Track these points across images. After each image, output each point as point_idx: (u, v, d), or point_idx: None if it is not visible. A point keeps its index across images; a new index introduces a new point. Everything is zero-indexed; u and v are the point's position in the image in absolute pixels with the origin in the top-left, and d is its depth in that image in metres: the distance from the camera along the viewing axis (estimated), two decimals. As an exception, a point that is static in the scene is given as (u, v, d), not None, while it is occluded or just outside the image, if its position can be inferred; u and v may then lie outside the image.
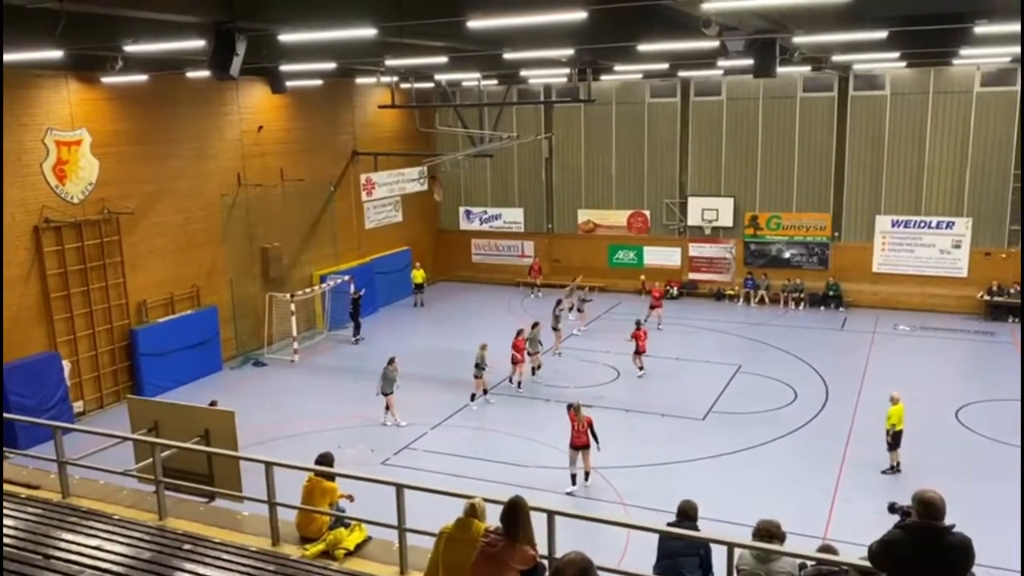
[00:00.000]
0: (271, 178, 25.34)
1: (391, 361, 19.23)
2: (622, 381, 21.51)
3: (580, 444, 15.15)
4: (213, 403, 15.46)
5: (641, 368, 21.93)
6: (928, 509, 5.45)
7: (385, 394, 18.95)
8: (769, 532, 7.19)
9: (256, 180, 24.73)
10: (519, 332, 21.42)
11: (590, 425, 15.17)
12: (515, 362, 21.08)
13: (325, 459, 9.47)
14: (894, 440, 15.84)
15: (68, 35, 11.66)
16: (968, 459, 16.56)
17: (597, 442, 15.15)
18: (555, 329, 24.07)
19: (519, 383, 21.14)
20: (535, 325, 22.38)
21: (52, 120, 19.27)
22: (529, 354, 21.56)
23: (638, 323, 22.61)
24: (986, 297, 26.91)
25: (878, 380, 20.66)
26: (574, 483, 15.32)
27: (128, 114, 21.09)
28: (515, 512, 6.45)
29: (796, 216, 29.30)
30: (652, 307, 26.74)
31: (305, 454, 10.73)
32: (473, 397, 20.16)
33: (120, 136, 20.90)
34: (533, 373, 21.87)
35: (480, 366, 20.21)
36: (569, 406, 15.63)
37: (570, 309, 26.67)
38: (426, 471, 15.89)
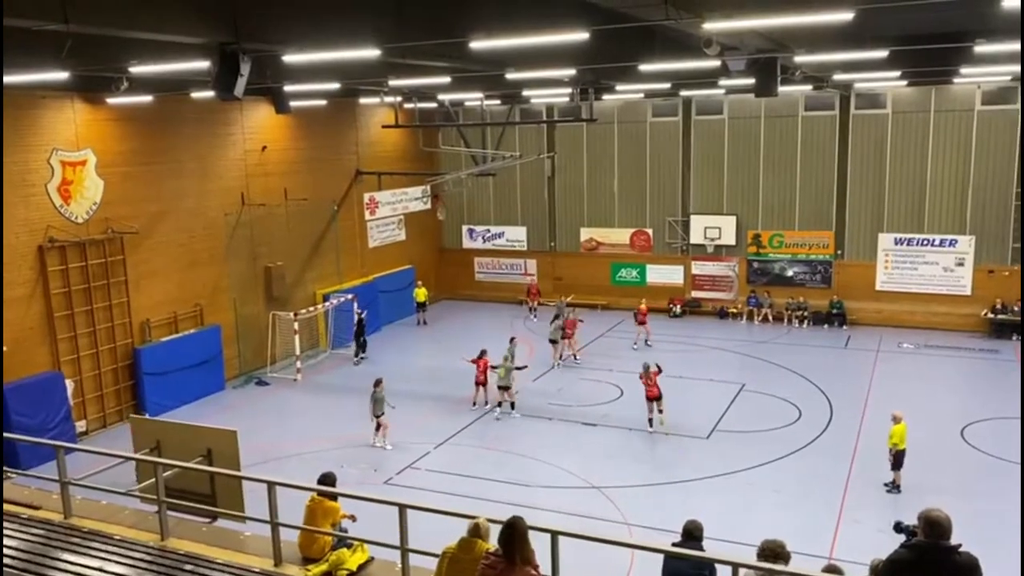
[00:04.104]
0: (275, 197, 25.44)
1: (378, 383, 18.87)
2: (626, 400, 21.43)
3: (652, 396, 19.06)
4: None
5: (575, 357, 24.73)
6: (934, 528, 5.41)
7: (376, 416, 18.71)
8: (774, 552, 7.14)
9: (260, 199, 24.83)
10: (483, 352, 21.11)
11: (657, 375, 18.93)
12: (478, 383, 20.96)
13: (327, 479, 9.44)
14: (896, 460, 15.76)
15: (74, 56, 11.78)
16: (974, 478, 16.45)
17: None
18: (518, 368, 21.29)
19: (486, 401, 20.98)
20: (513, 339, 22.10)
21: (57, 141, 19.39)
22: (501, 388, 20.65)
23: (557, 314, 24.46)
24: (990, 315, 26.85)
25: (882, 398, 20.58)
26: (651, 425, 19.14)
27: (133, 134, 21.22)
28: (512, 533, 6.39)
29: (799, 234, 29.31)
30: (640, 323, 26.94)
31: (308, 473, 10.71)
32: (512, 406, 20.51)
33: (125, 156, 21.00)
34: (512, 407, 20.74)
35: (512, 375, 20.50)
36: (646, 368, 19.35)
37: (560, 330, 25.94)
38: (429, 491, 15.84)
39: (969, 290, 27.44)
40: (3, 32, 9.57)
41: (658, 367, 19.49)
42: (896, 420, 15.78)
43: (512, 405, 20.67)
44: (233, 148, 24.32)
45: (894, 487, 15.79)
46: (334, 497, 8.99)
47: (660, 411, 19.18)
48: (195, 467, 9.79)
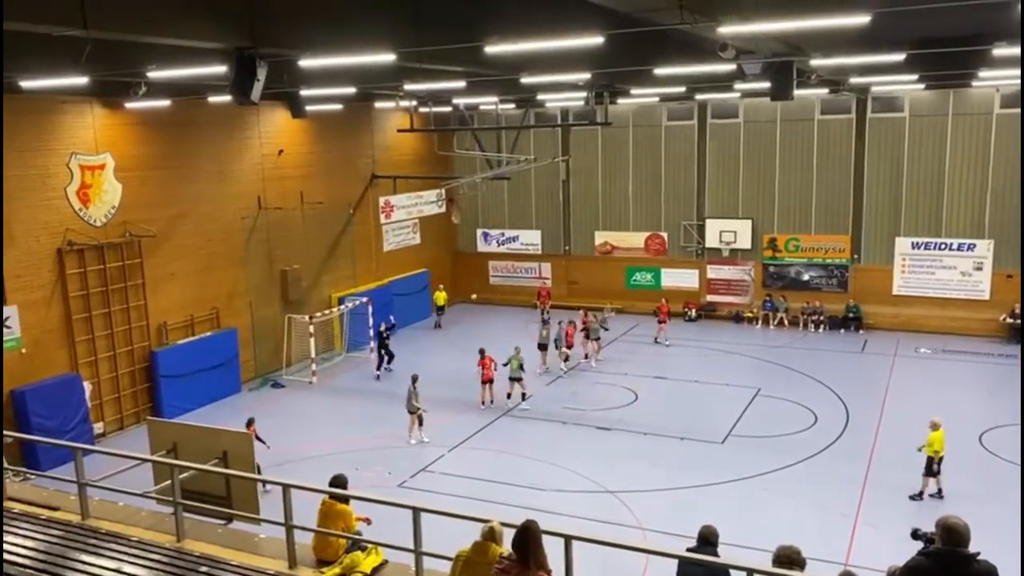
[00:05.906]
0: (291, 201, 25.56)
1: (415, 379, 19.41)
2: (640, 404, 21.39)
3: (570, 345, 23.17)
4: (250, 422, 15.92)
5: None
6: (952, 536, 5.36)
7: (416, 410, 19.17)
8: (789, 558, 7.09)
9: (276, 203, 24.97)
10: (482, 352, 21.62)
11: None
12: (485, 381, 21.41)
13: (338, 481, 9.43)
14: (928, 467, 15.47)
15: (93, 61, 11.89)
16: (992, 485, 16.27)
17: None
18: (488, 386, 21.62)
19: (492, 400, 21.42)
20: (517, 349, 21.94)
21: (77, 145, 19.58)
22: (512, 379, 21.31)
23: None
24: (1008, 320, 26.58)
25: (899, 403, 20.43)
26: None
27: (151, 139, 21.39)
28: (526, 537, 6.40)
29: (815, 238, 29.15)
30: (660, 322, 27.46)
31: (323, 476, 10.70)
32: (524, 397, 21.28)
33: (143, 160, 21.18)
34: (510, 397, 21.40)
35: (522, 368, 21.26)
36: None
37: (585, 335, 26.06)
38: (443, 494, 15.85)
39: (988, 294, 27.20)
40: (9, 36, 9.67)
41: (573, 324, 24.90)
42: (935, 427, 15.49)
43: (523, 396, 21.26)
44: (250, 152, 24.47)
45: (919, 494, 15.54)
46: (346, 499, 8.98)
47: (566, 359, 24.18)
48: (211, 469, 9.81)
